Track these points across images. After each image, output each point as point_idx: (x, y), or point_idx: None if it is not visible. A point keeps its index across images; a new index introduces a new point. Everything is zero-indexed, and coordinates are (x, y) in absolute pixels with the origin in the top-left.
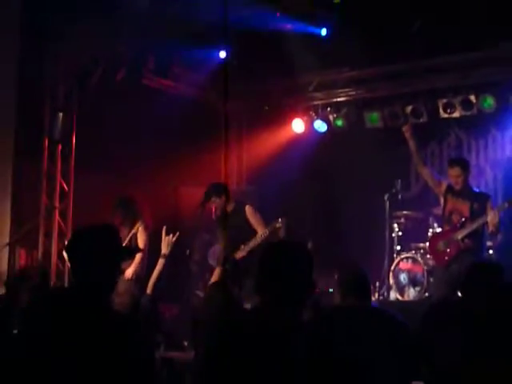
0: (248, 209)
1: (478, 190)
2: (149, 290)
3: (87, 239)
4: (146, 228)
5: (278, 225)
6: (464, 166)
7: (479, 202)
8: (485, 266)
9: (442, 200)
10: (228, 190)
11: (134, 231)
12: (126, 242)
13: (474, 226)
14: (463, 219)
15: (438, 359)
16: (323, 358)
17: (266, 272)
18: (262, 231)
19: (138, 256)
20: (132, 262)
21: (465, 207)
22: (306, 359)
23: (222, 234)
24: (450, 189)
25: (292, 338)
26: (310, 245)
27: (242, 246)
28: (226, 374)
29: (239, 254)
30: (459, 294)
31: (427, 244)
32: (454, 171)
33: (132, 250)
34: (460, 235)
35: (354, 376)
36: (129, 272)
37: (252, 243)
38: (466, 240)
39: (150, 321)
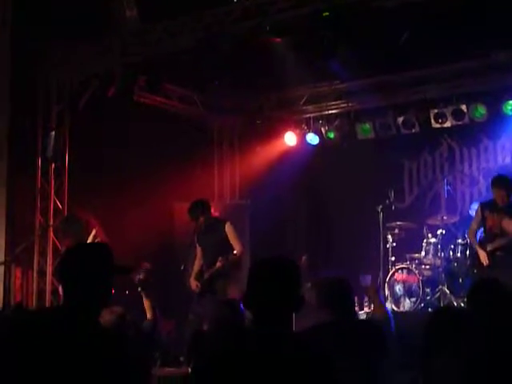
0: (228, 226)
1: None
2: (149, 316)
3: (79, 258)
4: (101, 242)
5: (233, 256)
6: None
7: None
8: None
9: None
10: (209, 207)
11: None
12: None
13: None
14: None
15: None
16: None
17: (254, 288)
18: (233, 252)
19: None
20: None
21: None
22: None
23: (199, 249)
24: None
25: (287, 354)
26: (304, 258)
27: (206, 272)
28: None
29: (205, 276)
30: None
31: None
32: (500, 191)
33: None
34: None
35: None
36: None
37: (212, 270)
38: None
39: (150, 344)
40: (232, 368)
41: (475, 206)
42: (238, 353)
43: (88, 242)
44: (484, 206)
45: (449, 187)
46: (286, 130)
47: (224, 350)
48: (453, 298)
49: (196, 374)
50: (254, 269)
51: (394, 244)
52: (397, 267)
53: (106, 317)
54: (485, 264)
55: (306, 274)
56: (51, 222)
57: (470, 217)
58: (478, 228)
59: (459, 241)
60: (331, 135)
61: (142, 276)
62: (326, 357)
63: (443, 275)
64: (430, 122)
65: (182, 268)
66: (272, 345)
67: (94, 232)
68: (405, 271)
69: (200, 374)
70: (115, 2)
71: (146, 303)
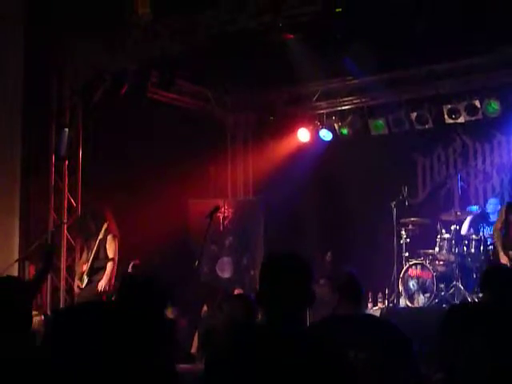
0: None
1: None
2: (169, 314)
3: None
4: (114, 237)
5: None
6: None
7: None
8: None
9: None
10: None
11: (100, 237)
12: (93, 250)
13: None
14: None
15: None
16: (327, 367)
17: (267, 284)
18: None
19: (110, 267)
20: (104, 273)
21: None
22: (312, 367)
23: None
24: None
25: (298, 347)
26: (328, 255)
27: None
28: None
29: None
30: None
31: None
32: None
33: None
34: None
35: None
36: (101, 284)
37: None
38: None
39: (172, 342)
40: (243, 364)
41: (493, 201)
42: (250, 349)
43: (100, 236)
44: (509, 209)
45: (462, 183)
46: (300, 127)
47: (235, 346)
48: (467, 294)
49: (206, 369)
50: (265, 265)
51: (408, 240)
52: (411, 263)
53: None
54: None
55: (320, 270)
56: (65, 220)
57: (484, 212)
58: (502, 228)
59: (473, 236)
60: (344, 131)
61: (130, 272)
62: (340, 353)
63: (457, 271)
64: (444, 118)
65: (196, 265)
66: (285, 342)
67: (105, 225)
68: (419, 267)
69: (210, 369)
70: None
71: None
